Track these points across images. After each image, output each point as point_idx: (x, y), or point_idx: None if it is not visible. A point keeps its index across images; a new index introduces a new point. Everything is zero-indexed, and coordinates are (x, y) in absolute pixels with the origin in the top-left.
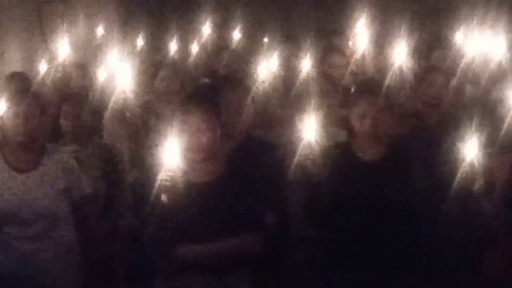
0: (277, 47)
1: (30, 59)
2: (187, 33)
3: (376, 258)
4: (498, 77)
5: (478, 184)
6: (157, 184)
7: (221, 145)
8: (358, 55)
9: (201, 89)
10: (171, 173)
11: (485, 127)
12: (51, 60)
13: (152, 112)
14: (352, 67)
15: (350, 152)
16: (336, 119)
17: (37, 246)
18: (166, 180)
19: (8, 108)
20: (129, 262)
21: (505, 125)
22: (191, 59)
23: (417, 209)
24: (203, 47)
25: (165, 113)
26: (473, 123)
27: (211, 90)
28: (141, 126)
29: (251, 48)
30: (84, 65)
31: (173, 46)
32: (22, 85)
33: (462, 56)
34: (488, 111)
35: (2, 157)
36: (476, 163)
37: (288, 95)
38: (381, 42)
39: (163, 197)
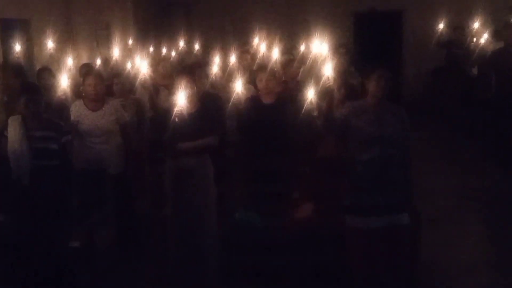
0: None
1: (94, 57)
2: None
3: (269, 150)
4: (323, 64)
5: (315, 112)
6: (173, 113)
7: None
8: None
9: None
10: (180, 108)
11: (317, 86)
12: (103, 59)
13: (157, 83)
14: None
15: (257, 98)
16: (251, 83)
17: (102, 147)
18: (179, 110)
19: (86, 80)
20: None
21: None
22: (176, 57)
23: (289, 122)
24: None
25: (166, 84)
26: (313, 84)
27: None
28: (152, 90)
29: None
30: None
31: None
32: (89, 69)
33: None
34: (318, 80)
35: (84, 104)
36: (313, 101)
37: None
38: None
39: (177, 119)
